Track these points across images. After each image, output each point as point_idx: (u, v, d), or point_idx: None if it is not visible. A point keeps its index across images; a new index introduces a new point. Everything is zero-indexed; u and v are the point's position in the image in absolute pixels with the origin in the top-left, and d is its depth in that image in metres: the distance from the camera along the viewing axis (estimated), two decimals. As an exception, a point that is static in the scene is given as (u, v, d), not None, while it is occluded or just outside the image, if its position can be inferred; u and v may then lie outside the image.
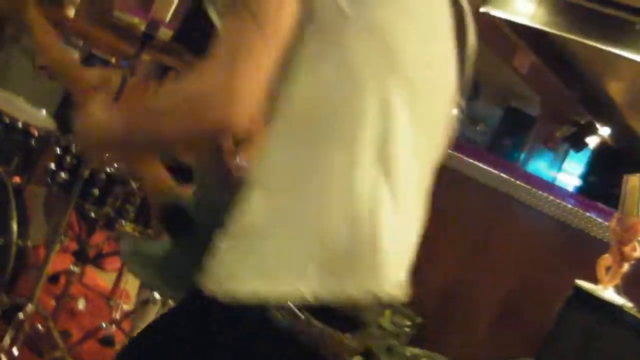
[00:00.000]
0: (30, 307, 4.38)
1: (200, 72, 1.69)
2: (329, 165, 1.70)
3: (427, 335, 6.28)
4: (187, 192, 2.15)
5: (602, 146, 11.64)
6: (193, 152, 2.07)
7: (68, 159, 4.32)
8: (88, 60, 7.49)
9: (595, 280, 4.96)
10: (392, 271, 1.79)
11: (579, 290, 4.89)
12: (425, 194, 1.99)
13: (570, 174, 11.91)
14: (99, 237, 5.30)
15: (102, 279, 6.01)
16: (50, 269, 4.67)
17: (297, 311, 1.70)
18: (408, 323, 6.36)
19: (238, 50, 1.65)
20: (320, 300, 1.66)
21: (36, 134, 4.60)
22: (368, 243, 1.70)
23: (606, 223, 5.44)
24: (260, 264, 1.70)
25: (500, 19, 9.50)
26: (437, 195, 5.13)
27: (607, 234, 5.27)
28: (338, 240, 1.67)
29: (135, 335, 2.40)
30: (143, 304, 4.87)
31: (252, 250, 1.70)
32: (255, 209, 1.71)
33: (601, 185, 11.35)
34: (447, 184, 6.17)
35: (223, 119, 1.65)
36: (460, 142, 10.24)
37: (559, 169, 11.78)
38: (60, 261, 4.84)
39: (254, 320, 1.69)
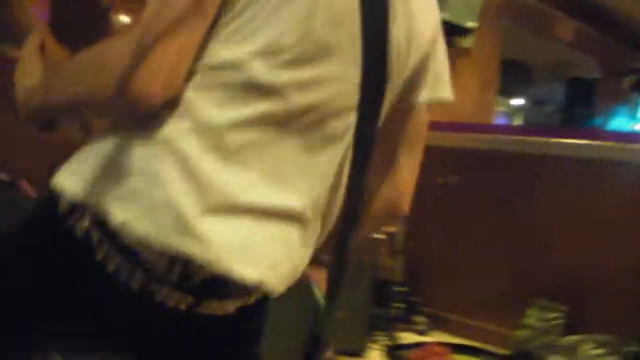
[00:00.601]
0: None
1: (117, 39, 1.75)
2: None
3: (579, 321, 6.01)
4: None
5: None
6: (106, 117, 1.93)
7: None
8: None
9: None
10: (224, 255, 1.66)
11: None
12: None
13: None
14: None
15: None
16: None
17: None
18: (556, 314, 6.17)
19: (149, 24, 1.67)
20: (124, 232, 1.59)
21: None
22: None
23: None
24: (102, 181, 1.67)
25: None
26: (546, 186, 6.15)
27: None
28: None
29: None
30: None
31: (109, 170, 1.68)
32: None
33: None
34: (552, 174, 6.86)
35: (124, 89, 1.63)
36: (538, 128, 10.31)
37: (637, 118, 11.54)
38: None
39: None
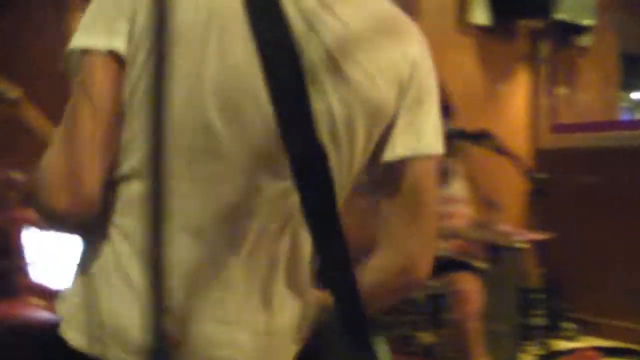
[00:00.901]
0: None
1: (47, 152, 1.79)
2: None
3: None
4: None
5: None
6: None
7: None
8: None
9: None
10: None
11: None
12: None
13: None
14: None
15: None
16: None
17: None
18: None
19: (60, 130, 1.79)
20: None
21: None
22: None
23: None
24: None
25: None
26: None
27: None
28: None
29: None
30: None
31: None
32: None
33: None
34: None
35: (42, 201, 1.78)
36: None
37: None
38: None
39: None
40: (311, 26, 1.75)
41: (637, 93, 10.88)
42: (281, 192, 1.76)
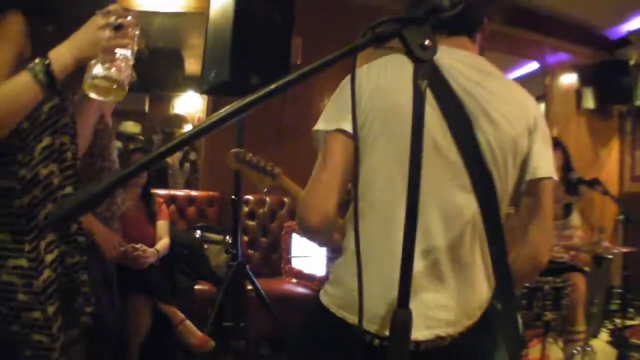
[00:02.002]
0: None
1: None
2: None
3: None
4: None
5: None
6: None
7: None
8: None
9: None
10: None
11: None
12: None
13: None
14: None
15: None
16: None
17: None
18: None
19: (312, 178, 2.23)
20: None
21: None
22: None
23: None
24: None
25: None
26: None
27: None
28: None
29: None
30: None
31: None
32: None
33: None
34: None
35: (301, 221, 2.24)
36: None
37: None
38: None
39: None
40: (470, 95, 2.11)
41: None
42: (467, 200, 2.09)
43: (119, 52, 2.29)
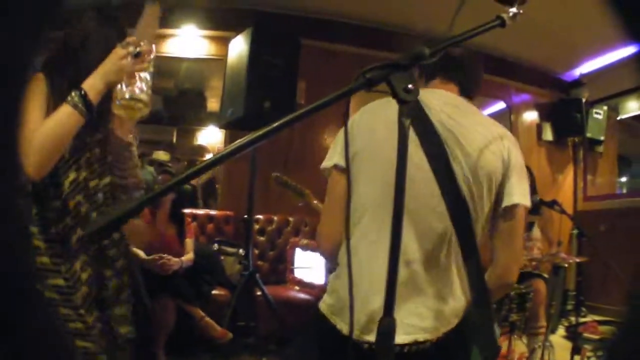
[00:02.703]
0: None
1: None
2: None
3: None
4: None
5: None
6: None
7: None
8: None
9: None
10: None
11: None
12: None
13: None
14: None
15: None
16: None
17: None
18: None
19: (322, 209, 2.37)
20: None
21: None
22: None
23: None
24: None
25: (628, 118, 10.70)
26: None
27: None
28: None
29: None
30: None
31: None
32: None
33: None
34: None
35: (318, 246, 2.34)
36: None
37: None
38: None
39: None
40: (449, 130, 2.08)
41: (624, 177, 11.63)
42: (443, 225, 2.02)
43: (140, 75, 2.37)
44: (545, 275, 5.59)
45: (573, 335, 6.04)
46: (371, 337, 1.92)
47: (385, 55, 7.88)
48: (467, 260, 2.04)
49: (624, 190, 11.69)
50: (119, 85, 2.34)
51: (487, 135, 2.13)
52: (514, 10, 1.83)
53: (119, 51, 2.35)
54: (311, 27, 7.72)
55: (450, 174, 2.02)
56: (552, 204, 5.27)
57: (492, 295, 2.15)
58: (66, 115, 2.25)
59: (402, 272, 1.93)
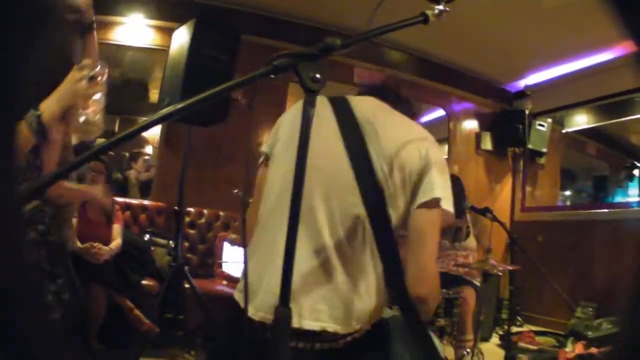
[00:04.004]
0: None
1: None
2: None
3: (602, 312, 7.37)
4: None
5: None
6: None
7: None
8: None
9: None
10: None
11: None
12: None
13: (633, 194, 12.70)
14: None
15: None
16: None
17: None
18: (591, 309, 7.52)
19: None
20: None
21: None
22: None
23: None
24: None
25: (573, 132, 10.91)
26: (589, 236, 7.85)
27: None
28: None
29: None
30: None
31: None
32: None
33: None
34: (593, 229, 8.39)
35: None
36: (583, 205, 11.80)
37: (627, 195, 12.55)
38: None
39: None
40: (370, 123, 2.10)
41: (567, 191, 11.87)
42: (357, 209, 1.99)
43: (94, 97, 2.45)
44: (477, 283, 5.56)
45: (507, 343, 6.04)
46: None
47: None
48: (385, 257, 1.98)
49: (568, 204, 11.87)
50: (74, 109, 2.40)
51: (408, 133, 2.14)
52: (440, 7, 1.83)
53: (74, 74, 2.40)
54: (253, 23, 7.79)
55: (367, 163, 2.02)
56: (484, 211, 5.24)
57: (419, 307, 2.00)
58: (19, 133, 2.27)
59: (314, 259, 1.95)
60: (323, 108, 2.14)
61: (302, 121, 1.42)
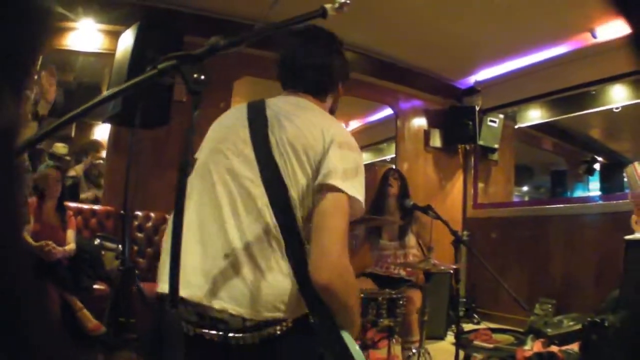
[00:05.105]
0: None
1: None
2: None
3: (561, 308, 7.31)
4: None
5: (602, 166, 12.82)
6: None
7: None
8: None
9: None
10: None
11: (629, 240, 5.76)
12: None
13: (593, 189, 12.80)
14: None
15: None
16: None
17: None
18: (549, 305, 7.54)
19: None
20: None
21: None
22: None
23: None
24: None
25: (527, 127, 11.02)
26: (547, 232, 7.81)
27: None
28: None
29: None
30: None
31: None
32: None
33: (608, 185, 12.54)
34: (550, 224, 8.37)
35: None
36: (540, 201, 11.85)
37: (588, 189, 12.72)
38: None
39: None
40: (276, 117, 2.16)
41: (524, 187, 12.00)
42: (259, 191, 2.03)
43: None
44: (420, 283, 5.53)
45: (463, 342, 6.05)
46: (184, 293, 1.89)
47: (270, 55, 7.84)
48: (289, 246, 1.98)
49: (526, 199, 11.99)
50: None
51: (315, 121, 2.17)
52: (341, 0, 1.85)
53: None
54: (197, 24, 7.76)
55: (266, 141, 2.09)
56: (427, 209, 5.12)
57: (328, 302, 1.96)
58: None
59: (221, 254, 1.97)
60: (240, 110, 2.30)
61: (189, 125, 1.47)
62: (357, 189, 2.05)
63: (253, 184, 2.06)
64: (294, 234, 1.99)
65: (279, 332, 1.96)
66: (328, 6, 1.84)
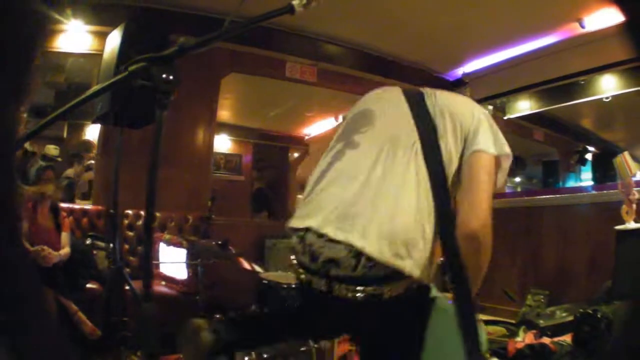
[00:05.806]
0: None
1: None
2: None
3: (554, 300, 7.32)
4: None
5: (594, 156, 13.04)
6: None
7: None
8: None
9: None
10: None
11: (620, 230, 5.79)
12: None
13: (585, 179, 12.82)
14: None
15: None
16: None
17: None
18: (542, 296, 7.58)
19: None
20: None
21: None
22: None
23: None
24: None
25: (517, 118, 10.99)
26: (540, 222, 7.76)
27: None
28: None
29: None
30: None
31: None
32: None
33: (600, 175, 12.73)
34: (542, 215, 8.31)
35: None
36: (532, 191, 11.68)
37: (580, 179, 12.75)
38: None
39: None
40: (439, 106, 2.26)
41: (517, 178, 12.04)
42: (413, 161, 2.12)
43: None
44: None
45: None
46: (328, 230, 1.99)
47: (256, 52, 8.16)
48: (435, 188, 2.04)
49: (519, 190, 11.92)
50: None
51: (464, 102, 2.35)
52: None
53: None
54: (183, 23, 7.84)
55: (435, 135, 2.18)
56: None
57: (469, 266, 2.01)
58: None
59: (355, 186, 2.07)
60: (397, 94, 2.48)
61: (156, 123, 1.54)
62: (501, 147, 2.20)
63: (409, 136, 2.19)
64: (442, 186, 2.07)
65: (398, 295, 1.94)
66: (295, 2, 1.89)
